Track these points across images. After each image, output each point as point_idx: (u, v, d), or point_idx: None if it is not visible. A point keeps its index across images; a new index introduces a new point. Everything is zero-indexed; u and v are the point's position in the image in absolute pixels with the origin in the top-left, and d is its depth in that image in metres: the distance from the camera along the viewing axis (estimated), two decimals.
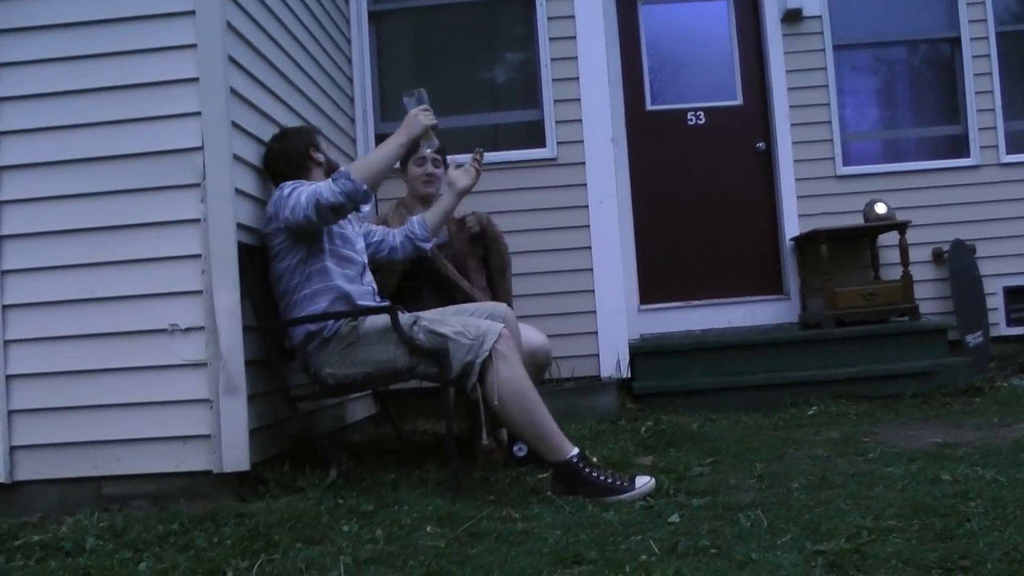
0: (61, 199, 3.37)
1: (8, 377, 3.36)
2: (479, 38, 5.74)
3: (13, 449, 3.34)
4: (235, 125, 3.40)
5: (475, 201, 4.41)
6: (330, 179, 3.30)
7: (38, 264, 3.37)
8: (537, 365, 3.67)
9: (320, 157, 3.66)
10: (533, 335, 3.75)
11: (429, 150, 3.84)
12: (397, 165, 3.77)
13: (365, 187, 3.28)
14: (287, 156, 3.63)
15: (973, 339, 5.77)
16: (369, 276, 3.72)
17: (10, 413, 3.35)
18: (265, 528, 2.71)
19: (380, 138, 5.44)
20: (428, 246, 3.89)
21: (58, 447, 3.33)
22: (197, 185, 3.32)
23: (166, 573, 2.39)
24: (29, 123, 3.40)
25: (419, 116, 3.43)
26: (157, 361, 3.31)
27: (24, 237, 3.39)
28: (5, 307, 3.38)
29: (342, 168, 3.34)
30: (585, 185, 5.21)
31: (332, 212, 3.29)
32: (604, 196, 5.19)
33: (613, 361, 5.10)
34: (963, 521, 2.47)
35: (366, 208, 3.44)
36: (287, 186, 3.41)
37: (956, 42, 6.28)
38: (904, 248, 5.69)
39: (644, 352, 5.41)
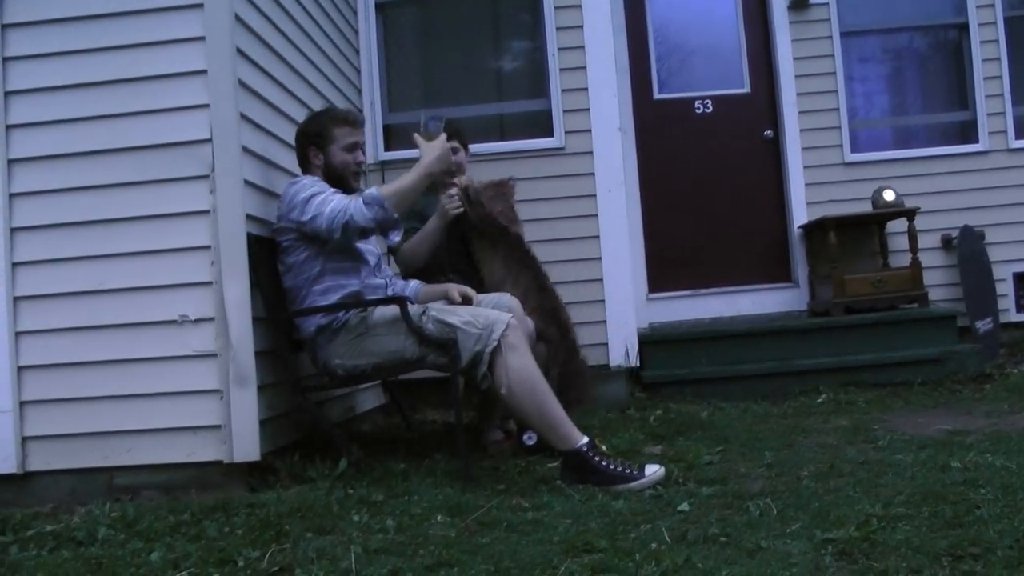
0: (71, 191, 3.39)
1: (20, 368, 3.38)
2: (486, 28, 5.72)
3: (25, 440, 3.37)
4: (243, 117, 3.41)
5: None
6: (362, 201, 3.26)
7: (48, 256, 3.39)
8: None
9: (319, 160, 3.55)
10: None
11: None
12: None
13: (396, 215, 3.30)
14: (298, 141, 3.64)
15: (983, 326, 5.74)
16: (388, 270, 3.71)
17: (22, 404, 3.37)
18: (276, 518, 2.72)
19: (387, 129, 5.46)
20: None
21: (69, 438, 3.35)
22: (206, 177, 3.33)
23: (177, 563, 2.40)
24: (39, 116, 3.42)
25: (450, 152, 3.40)
26: (167, 352, 3.33)
27: (34, 229, 3.41)
28: (16, 299, 3.39)
29: (373, 191, 3.29)
30: (593, 174, 5.20)
31: (359, 234, 3.32)
32: (612, 185, 5.17)
33: (622, 350, 5.10)
34: (973, 508, 2.46)
35: (396, 237, 3.49)
36: (305, 187, 3.37)
37: (964, 28, 6.23)
38: (913, 235, 5.66)
39: (653, 341, 5.41)
